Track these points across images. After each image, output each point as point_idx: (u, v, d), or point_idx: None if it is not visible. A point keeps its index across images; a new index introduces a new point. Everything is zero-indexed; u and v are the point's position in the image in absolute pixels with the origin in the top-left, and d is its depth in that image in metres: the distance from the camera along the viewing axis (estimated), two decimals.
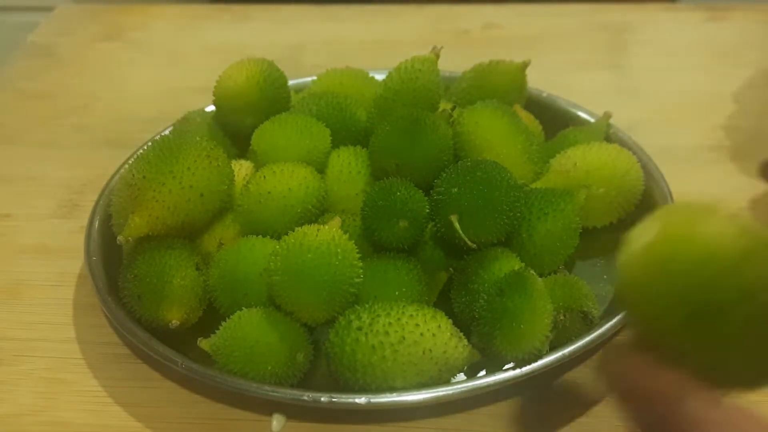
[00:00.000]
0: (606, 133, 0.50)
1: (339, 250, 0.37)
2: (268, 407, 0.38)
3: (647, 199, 0.46)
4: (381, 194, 0.41)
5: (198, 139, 0.42)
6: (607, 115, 0.51)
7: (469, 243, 0.39)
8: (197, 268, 0.41)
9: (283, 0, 0.78)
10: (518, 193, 0.41)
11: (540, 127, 0.51)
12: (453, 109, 0.47)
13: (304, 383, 0.39)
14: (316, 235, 0.38)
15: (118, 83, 0.68)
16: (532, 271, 0.37)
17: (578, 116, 0.53)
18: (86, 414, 0.38)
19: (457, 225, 0.39)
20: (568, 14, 0.75)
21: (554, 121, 0.52)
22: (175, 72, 0.69)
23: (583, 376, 0.40)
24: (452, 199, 0.40)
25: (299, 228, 0.39)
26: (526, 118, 0.50)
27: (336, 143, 0.47)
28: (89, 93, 0.66)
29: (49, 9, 0.80)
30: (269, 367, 0.36)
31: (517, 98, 0.52)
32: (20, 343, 0.42)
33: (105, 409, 0.38)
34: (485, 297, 0.38)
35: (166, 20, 0.76)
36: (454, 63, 0.64)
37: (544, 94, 0.55)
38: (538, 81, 0.57)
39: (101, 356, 0.41)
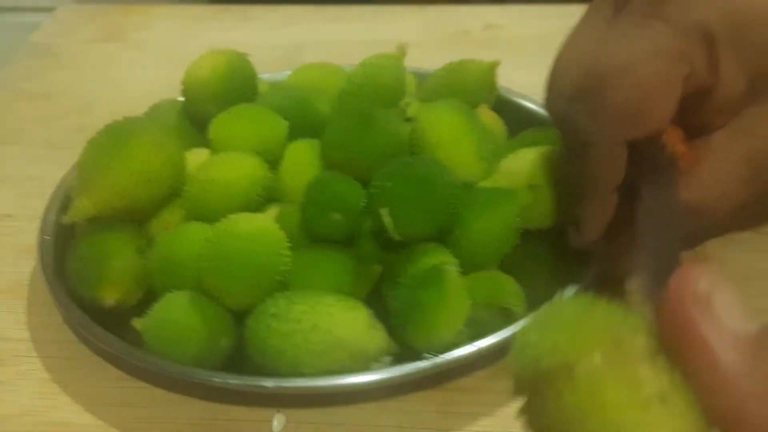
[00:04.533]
0: None
1: (266, 239, 0.38)
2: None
3: None
4: (317, 187, 0.42)
5: (149, 125, 0.43)
6: None
7: (395, 236, 0.40)
8: (139, 251, 0.42)
9: (283, 1, 0.78)
10: (454, 191, 0.41)
11: (503, 128, 0.51)
12: (407, 105, 0.48)
13: (233, 368, 0.39)
14: (246, 223, 0.39)
15: (118, 83, 0.69)
16: (450, 267, 0.38)
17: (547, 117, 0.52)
18: (86, 414, 0.38)
19: (385, 218, 0.40)
20: (569, 15, 0.71)
21: (528, 123, 0.52)
22: (175, 72, 0.68)
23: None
24: (385, 192, 0.40)
25: (233, 215, 0.40)
26: (490, 118, 0.50)
27: (297, 135, 0.47)
28: (90, 93, 0.67)
29: (49, 9, 0.81)
30: (191, 350, 0.38)
31: (486, 97, 0.52)
32: (20, 343, 0.42)
33: (105, 410, 0.38)
34: (401, 289, 0.38)
35: (166, 21, 0.77)
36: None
37: (514, 97, 0.55)
38: (538, 83, 0.56)
39: (102, 356, 0.41)
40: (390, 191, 0.40)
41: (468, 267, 0.41)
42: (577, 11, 0.73)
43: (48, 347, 0.42)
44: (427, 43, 0.70)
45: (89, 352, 0.41)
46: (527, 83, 0.60)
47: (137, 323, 0.39)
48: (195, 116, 0.50)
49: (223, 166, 0.43)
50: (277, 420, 0.37)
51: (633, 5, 0.36)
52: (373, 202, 0.41)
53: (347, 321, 0.36)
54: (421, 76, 0.55)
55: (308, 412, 0.37)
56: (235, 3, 0.79)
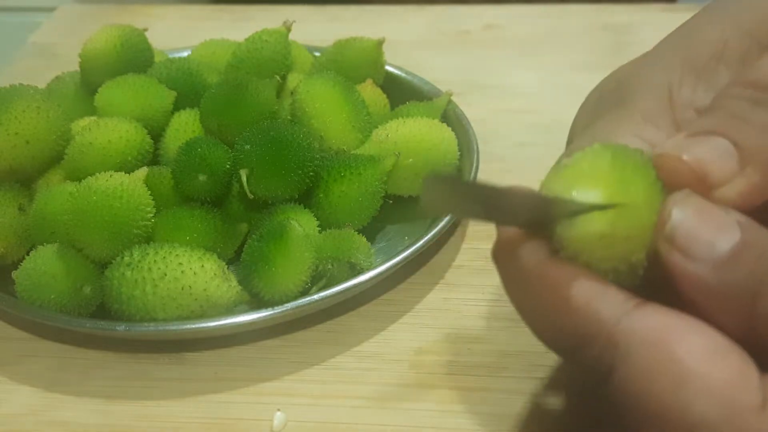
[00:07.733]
0: (444, 110, 0.52)
1: (124, 194, 0.41)
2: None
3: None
4: (186, 150, 0.44)
5: (31, 91, 0.46)
6: (448, 93, 0.53)
7: (250, 195, 0.43)
8: (20, 209, 0.45)
9: (283, 1, 0.78)
10: (310, 154, 0.44)
11: (386, 101, 0.54)
12: (283, 77, 0.51)
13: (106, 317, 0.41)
14: (106, 180, 0.41)
15: None
16: (294, 222, 0.40)
17: (433, 94, 0.55)
18: (87, 414, 0.39)
19: (243, 178, 0.43)
20: (568, 15, 0.74)
21: (415, 98, 0.54)
22: None
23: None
24: (244, 154, 0.43)
25: (98, 174, 0.42)
26: (373, 92, 0.53)
27: (185, 105, 0.50)
28: None
29: (50, 9, 0.80)
30: (55, 296, 0.40)
31: (372, 73, 0.54)
32: (20, 343, 0.43)
33: (106, 409, 0.39)
34: (251, 243, 0.41)
35: (167, 21, 0.77)
36: (455, 63, 0.67)
37: (404, 74, 0.57)
38: (538, 82, 0.60)
39: (102, 355, 0.42)
40: (248, 153, 0.43)
41: (331, 228, 0.44)
42: (577, 11, 0.75)
43: (48, 347, 0.42)
44: (427, 43, 0.71)
45: (89, 351, 0.42)
46: (527, 82, 0.63)
47: (14, 274, 0.42)
48: (91, 87, 0.53)
49: (98, 130, 0.45)
50: (278, 419, 0.38)
51: None
52: (236, 164, 0.44)
53: (195, 270, 0.39)
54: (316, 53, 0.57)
55: (307, 412, 0.38)
56: (235, 3, 0.78)
